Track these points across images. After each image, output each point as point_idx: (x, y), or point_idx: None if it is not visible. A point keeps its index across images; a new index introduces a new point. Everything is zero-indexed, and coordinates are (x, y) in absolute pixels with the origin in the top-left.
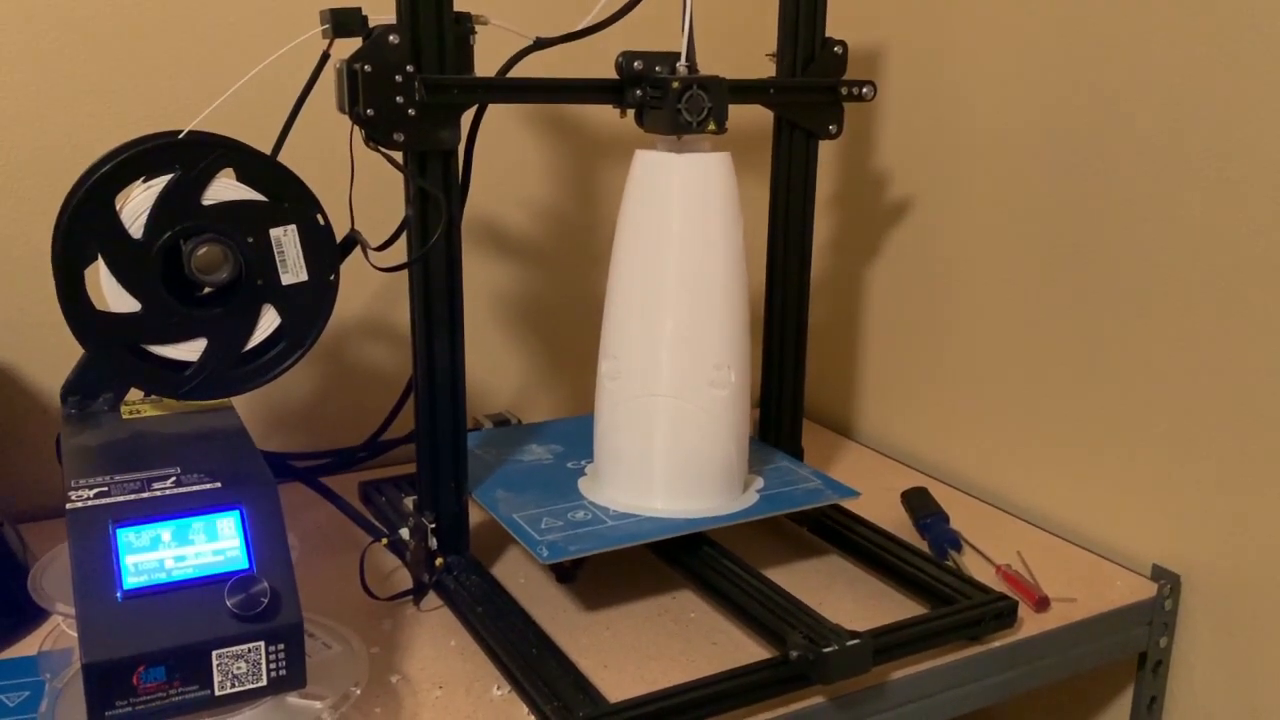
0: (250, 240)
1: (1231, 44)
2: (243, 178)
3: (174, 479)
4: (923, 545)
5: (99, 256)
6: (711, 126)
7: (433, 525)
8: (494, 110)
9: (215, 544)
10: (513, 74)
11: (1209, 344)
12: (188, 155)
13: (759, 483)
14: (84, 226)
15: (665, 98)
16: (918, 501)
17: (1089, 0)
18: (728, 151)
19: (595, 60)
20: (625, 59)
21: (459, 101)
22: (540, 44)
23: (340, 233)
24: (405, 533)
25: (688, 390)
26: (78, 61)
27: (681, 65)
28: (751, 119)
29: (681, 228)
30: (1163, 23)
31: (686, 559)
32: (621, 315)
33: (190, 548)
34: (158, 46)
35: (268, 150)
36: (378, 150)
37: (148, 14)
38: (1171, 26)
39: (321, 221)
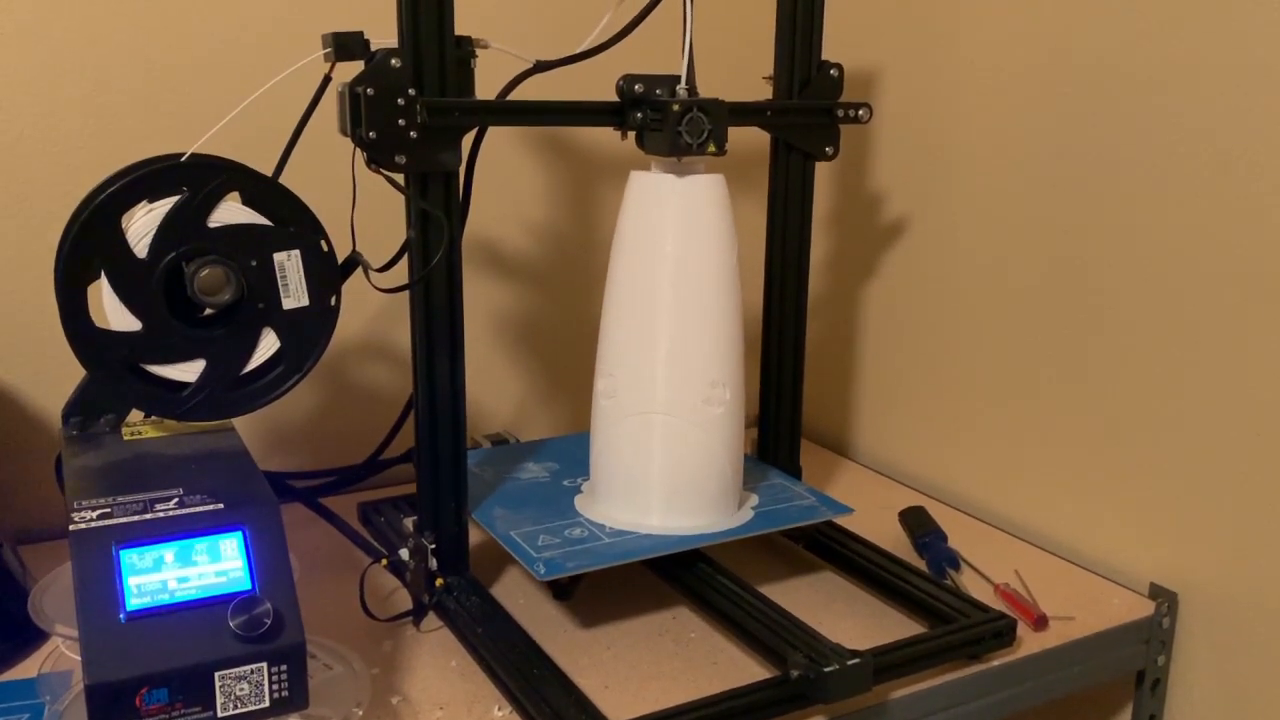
0: (253, 263)
1: (1225, 63)
2: (248, 201)
3: (176, 500)
4: (921, 564)
5: (102, 274)
6: (711, 148)
7: (433, 546)
8: (494, 132)
9: (218, 565)
10: (512, 96)
11: (1206, 363)
12: (195, 177)
13: (754, 500)
14: (89, 244)
15: (665, 120)
16: (916, 520)
17: (1082, 20)
18: (721, 174)
19: (594, 82)
20: (626, 82)
21: (460, 124)
22: (540, 67)
23: (341, 255)
24: (405, 553)
25: (683, 408)
26: (81, 84)
27: (681, 88)
28: (749, 140)
29: (676, 247)
30: (1157, 40)
31: (683, 576)
32: (617, 334)
33: (193, 569)
34: (161, 69)
35: (269, 173)
36: (379, 172)
37: (151, 37)
38: (1166, 44)
39: (325, 247)
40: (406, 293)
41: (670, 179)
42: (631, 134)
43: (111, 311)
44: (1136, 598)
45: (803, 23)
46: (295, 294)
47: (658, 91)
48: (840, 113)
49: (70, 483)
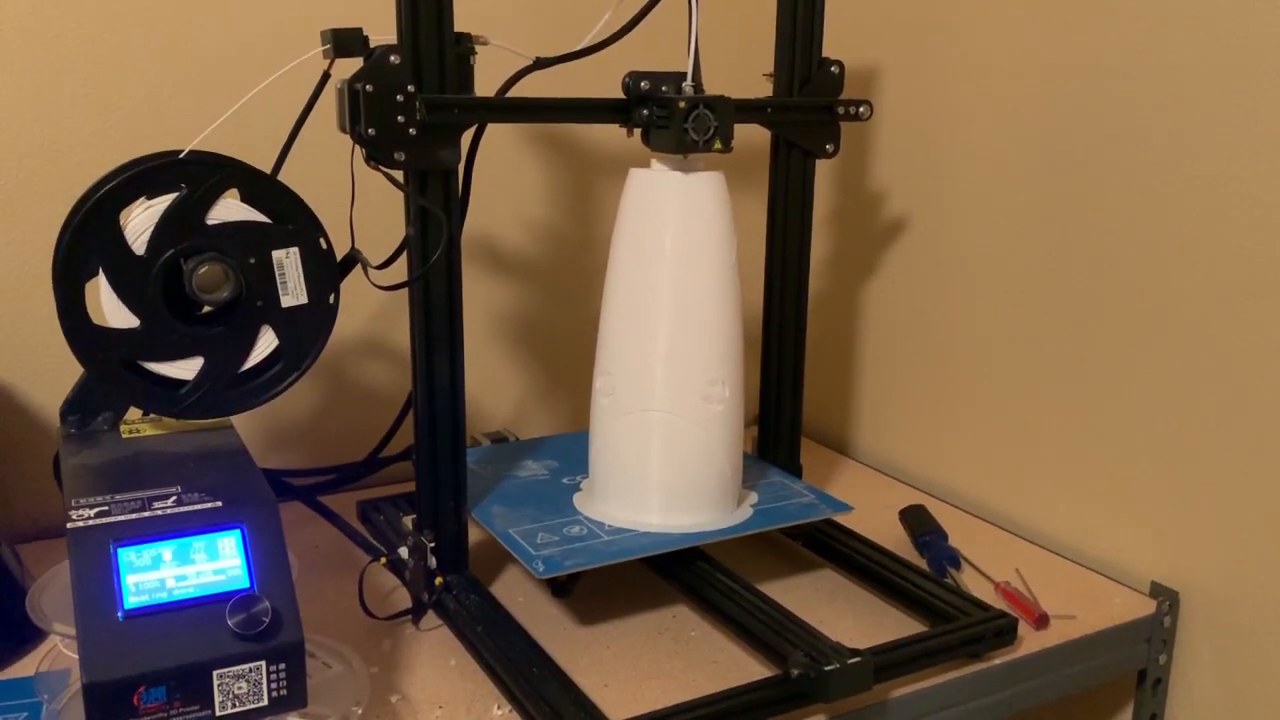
0: (252, 261)
1: (1229, 58)
2: (247, 199)
3: (175, 498)
4: (922, 563)
5: (100, 272)
6: (717, 145)
7: (432, 544)
8: (493, 130)
9: (216, 563)
10: (512, 94)
11: (1207, 360)
12: (193, 174)
13: (753, 498)
14: (88, 240)
15: (672, 117)
16: (916, 519)
17: (1083, 18)
18: (720, 171)
19: (593, 79)
20: (632, 79)
21: (459, 121)
22: (540, 64)
23: (340, 252)
24: (404, 552)
25: (682, 405)
26: (77, 81)
27: (687, 85)
28: (749, 138)
29: (674, 245)
30: (1158, 35)
31: (682, 574)
32: (616, 331)
33: (191, 567)
34: (159, 65)
35: (267, 170)
36: (378, 169)
37: (149, 32)
38: (1168, 39)
39: (324, 245)
40: (405, 290)
41: (669, 176)
42: (635, 132)
43: (109, 309)
44: (1138, 596)
45: (803, 20)
46: (294, 292)
47: (663, 88)
48: (841, 110)
49: (68, 480)
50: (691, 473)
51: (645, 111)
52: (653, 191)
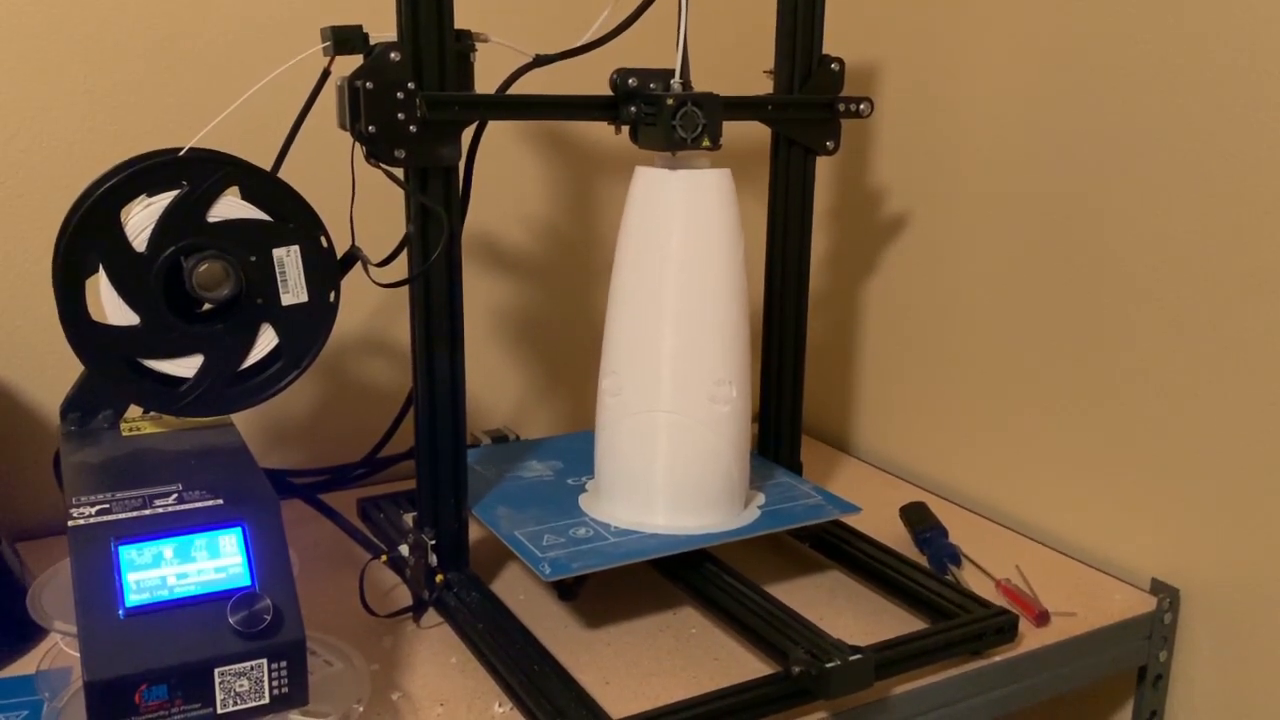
0: (253, 259)
1: (1234, 52)
2: (248, 196)
3: (176, 496)
4: (922, 560)
5: (100, 269)
6: (705, 143)
7: (433, 542)
8: (494, 127)
9: (217, 561)
10: (512, 91)
11: (1208, 358)
12: (194, 172)
13: (760, 499)
14: (88, 237)
15: (659, 114)
16: (917, 516)
17: (1083, 18)
18: (727, 168)
19: (597, 77)
20: (620, 76)
21: (460, 118)
22: (539, 61)
23: (341, 250)
24: (405, 549)
25: (689, 406)
26: (79, 78)
27: (676, 82)
28: (749, 135)
29: (681, 244)
30: (1161, 30)
31: (688, 575)
32: (622, 331)
33: (192, 565)
34: (159, 63)
35: (268, 168)
36: (379, 167)
37: (149, 29)
38: (1168, 40)
39: (324, 243)
40: (406, 288)
41: (676, 174)
42: (626, 129)
43: (110, 306)
44: (1138, 593)
45: (804, 17)
46: (294, 290)
47: (652, 85)
48: (841, 107)
49: (69, 479)
50: (698, 474)
51: (633, 109)
52: (659, 189)
